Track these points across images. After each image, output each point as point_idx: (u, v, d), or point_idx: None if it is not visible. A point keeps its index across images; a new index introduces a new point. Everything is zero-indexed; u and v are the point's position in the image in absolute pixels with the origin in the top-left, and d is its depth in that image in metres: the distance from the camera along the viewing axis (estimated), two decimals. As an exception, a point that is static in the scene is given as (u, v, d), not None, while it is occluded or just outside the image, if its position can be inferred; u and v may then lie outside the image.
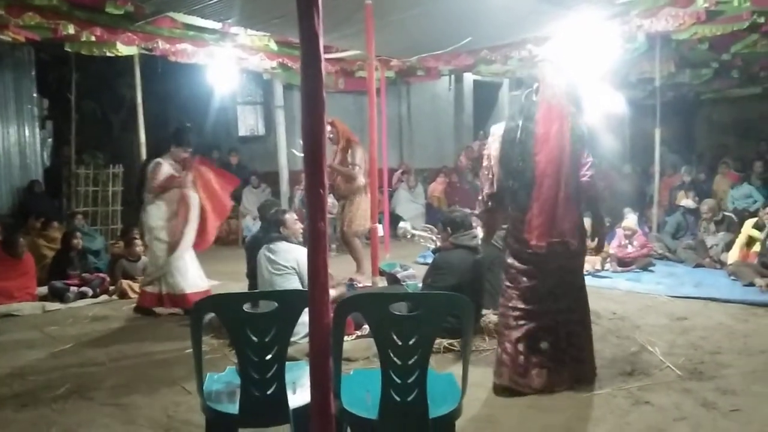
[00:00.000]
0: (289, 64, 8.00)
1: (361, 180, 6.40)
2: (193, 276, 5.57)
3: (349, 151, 6.46)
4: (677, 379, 3.73)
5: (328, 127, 6.38)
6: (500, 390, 3.54)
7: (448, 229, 4.68)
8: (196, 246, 5.64)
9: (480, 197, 4.00)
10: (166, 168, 5.48)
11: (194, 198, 5.53)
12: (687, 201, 8.41)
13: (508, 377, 3.52)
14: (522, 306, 3.55)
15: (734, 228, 7.44)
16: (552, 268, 3.52)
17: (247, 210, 9.95)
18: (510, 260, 3.64)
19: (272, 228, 4.59)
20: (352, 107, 11.08)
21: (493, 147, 3.76)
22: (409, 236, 6.97)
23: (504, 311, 3.65)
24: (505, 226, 5.45)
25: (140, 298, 5.74)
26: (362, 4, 5.27)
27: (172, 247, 5.47)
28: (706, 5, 5.69)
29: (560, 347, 3.56)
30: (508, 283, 3.64)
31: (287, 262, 4.38)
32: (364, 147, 6.34)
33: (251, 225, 9.36)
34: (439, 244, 5.00)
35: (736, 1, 5.64)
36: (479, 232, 4.79)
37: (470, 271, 4.48)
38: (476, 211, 4.37)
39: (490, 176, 3.80)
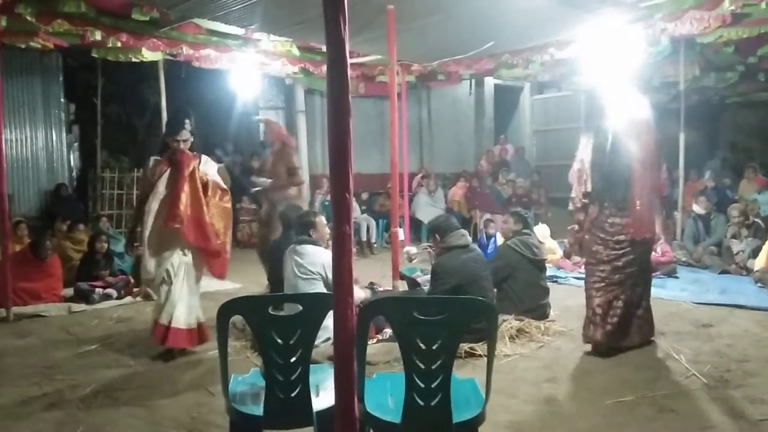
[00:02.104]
0: (311, 69, 8.07)
1: (294, 191, 6.08)
2: (181, 305, 4.34)
3: (285, 156, 6.07)
4: (703, 387, 3.68)
5: (262, 127, 6.00)
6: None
7: (437, 235, 4.68)
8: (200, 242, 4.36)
9: (573, 195, 4.79)
10: (151, 165, 4.51)
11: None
12: (696, 206, 8.25)
13: (590, 335, 4.36)
14: (601, 284, 4.35)
15: (761, 234, 7.30)
16: (632, 254, 4.28)
17: (268, 213, 10.02)
18: (595, 248, 4.39)
19: (301, 230, 4.60)
20: (373, 112, 11.14)
21: (585, 153, 4.53)
22: (414, 259, 6.96)
23: (589, 285, 4.45)
24: (526, 231, 5.53)
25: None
26: (384, 9, 5.30)
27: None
28: (732, 8, 5.60)
29: (628, 312, 4.32)
30: (591, 266, 4.47)
31: (314, 266, 4.38)
32: (384, 151, 6.32)
33: (272, 228, 9.42)
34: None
35: (763, 4, 5.56)
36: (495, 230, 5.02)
37: (466, 269, 4.47)
38: (570, 208, 4.99)
39: (584, 178, 4.53)
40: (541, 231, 7.95)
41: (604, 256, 4.36)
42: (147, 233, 4.33)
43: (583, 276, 6.94)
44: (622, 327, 4.32)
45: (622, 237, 4.29)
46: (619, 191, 4.28)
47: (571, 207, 5.05)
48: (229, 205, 4.61)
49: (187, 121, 4.48)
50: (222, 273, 4.63)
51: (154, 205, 4.35)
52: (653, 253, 7.10)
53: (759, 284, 6.38)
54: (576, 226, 7.78)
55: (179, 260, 4.35)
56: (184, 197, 4.31)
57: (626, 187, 4.24)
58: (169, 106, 7.97)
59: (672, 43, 7.30)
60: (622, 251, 4.30)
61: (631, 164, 4.21)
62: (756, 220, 7.73)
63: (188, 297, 4.35)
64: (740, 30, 6.32)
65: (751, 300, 5.77)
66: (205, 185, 4.45)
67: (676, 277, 6.99)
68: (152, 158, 4.53)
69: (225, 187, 4.61)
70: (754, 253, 7.00)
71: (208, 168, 4.54)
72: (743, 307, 5.56)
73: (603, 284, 4.34)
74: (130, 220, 4.74)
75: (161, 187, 4.37)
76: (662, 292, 6.27)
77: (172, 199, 4.31)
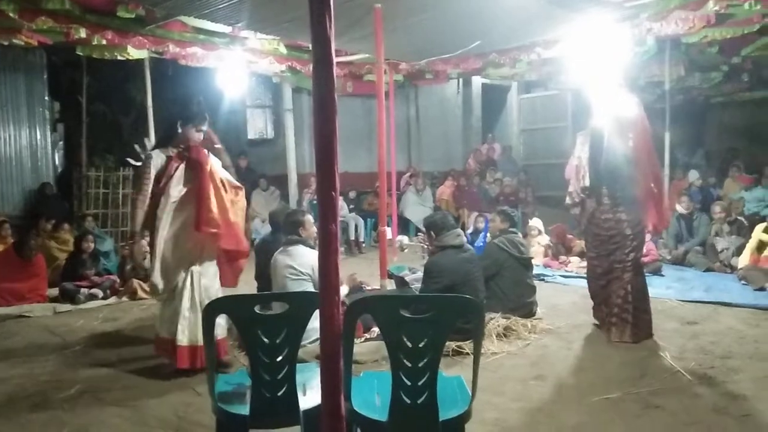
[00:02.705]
0: (298, 68, 8.04)
1: None
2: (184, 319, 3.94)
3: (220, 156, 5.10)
4: (688, 384, 3.71)
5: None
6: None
7: (432, 233, 4.69)
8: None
9: (571, 190, 4.97)
10: (157, 161, 3.94)
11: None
12: (678, 206, 8.32)
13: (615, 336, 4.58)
14: (604, 278, 4.61)
15: (745, 232, 7.39)
16: (626, 249, 4.48)
17: (255, 212, 9.97)
18: (593, 243, 4.65)
19: (290, 230, 4.58)
20: (361, 110, 11.11)
21: (582, 150, 4.77)
22: (405, 249, 6.96)
23: (591, 280, 4.75)
24: (513, 229, 5.55)
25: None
26: (371, 8, 5.29)
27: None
28: (717, 8, 5.66)
29: (622, 309, 4.52)
30: (591, 259, 4.73)
31: (303, 267, 4.37)
32: (372, 150, 6.30)
33: (260, 227, 9.39)
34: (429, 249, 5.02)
35: (746, 5, 5.61)
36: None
37: (460, 269, 4.49)
38: (567, 202, 5.14)
39: (582, 173, 4.74)
40: (536, 224, 8.07)
41: (601, 251, 4.59)
42: (159, 244, 3.88)
43: (570, 274, 7.09)
44: (642, 320, 4.55)
45: (614, 232, 4.51)
46: (614, 187, 4.49)
47: (568, 201, 5.17)
48: (244, 203, 4.28)
49: (204, 111, 4.08)
50: (236, 281, 4.25)
51: (168, 211, 3.88)
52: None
53: (743, 282, 6.46)
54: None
55: (188, 271, 3.98)
56: (213, 198, 3.90)
57: (620, 183, 4.44)
58: (156, 104, 7.90)
59: (657, 43, 7.37)
60: (615, 246, 4.50)
61: (626, 161, 4.39)
62: (738, 217, 7.83)
63: (191, 312, 3.94)
64: (724, 30, 6.39)
65: (735, 297, 5.84)
66: (222, 183, 4.09)
67: (662, 275, 7.05)
68: (160, 152, 3.98)
69: (238, 183, 4.25)
70: (738, 251, 7.09)
71: (216, 165, 4.17)
72: (727, 305, 5.62)
73: (606, 279, 4.58)
74: (132, 221, 3.98)
75: (173, 191, 3.88)
76: (648, 289, 6.31)
77: (201, 202, 3.85)
